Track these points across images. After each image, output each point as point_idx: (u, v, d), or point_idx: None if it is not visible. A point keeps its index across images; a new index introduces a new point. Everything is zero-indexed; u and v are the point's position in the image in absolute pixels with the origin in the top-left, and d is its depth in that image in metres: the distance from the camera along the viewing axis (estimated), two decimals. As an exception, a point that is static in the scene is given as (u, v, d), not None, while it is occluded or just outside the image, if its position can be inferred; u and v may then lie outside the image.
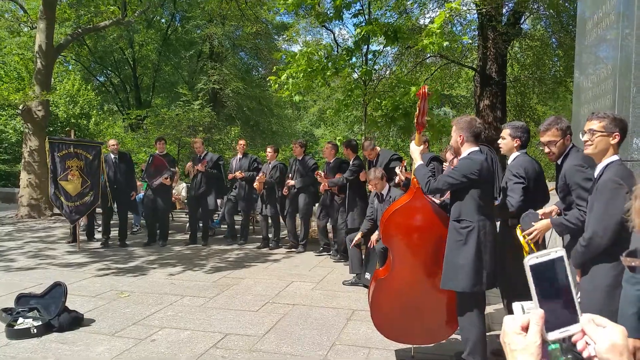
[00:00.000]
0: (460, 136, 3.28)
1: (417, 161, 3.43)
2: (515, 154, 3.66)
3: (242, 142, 8.78)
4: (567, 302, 0.84)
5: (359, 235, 5.70)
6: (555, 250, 0.86)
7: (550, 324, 0.83)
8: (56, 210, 9.55)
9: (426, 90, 3.41)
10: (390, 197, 5.31)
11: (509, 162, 3.72)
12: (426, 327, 3.52)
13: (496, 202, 3.75)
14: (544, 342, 0.82)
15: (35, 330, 4.04)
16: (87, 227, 8.81)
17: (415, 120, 3.48)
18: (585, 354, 0.82)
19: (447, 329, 3.51)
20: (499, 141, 3.78)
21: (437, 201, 3.68)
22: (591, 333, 0.82)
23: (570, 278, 0.85)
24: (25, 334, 4.02)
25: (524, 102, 15.47)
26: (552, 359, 0.82)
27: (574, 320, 0.83)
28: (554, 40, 14.44)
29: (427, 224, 3.43)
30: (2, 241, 8.51)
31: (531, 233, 3.16)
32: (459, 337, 3.47)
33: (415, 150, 3.48)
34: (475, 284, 3.15)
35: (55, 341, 3.93)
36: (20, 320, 4.20)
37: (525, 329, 0.83)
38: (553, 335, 0.83)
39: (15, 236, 9.12)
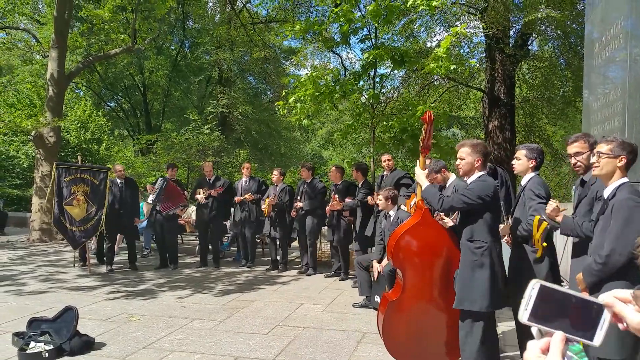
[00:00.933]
0: (478, 160, 3.36)
1: (424, 183, 3.47)
2: (530, 175, 3.68)
3: (247, 165, 8.86)
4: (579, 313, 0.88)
5: (376, 265, 5.63)
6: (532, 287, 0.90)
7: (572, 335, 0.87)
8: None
9: (432, 114, 3.48)
10: (398, 218, 5.32)
11: (522, 182, 3.75)
12: (438, 348, 3.51)
13: (506, 224, 3.76)
14: (570, 358, 0.84)
15: (46, 355, 4.06)
16: (97, 250, 8.88)
17: (420, 144, 3.54)
18: (621, 327, 0.85)
19: (456, 351, 3.49)
20: (513, 161, 3.81)
21: (449, 224, 3.69)
22: (621, 310, 0.84)
23: (566, 290, 0.89)
24: (37, 358, 4.04)
25: (533, 122, 15.48)
26: None
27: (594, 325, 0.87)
28: (562, 61, 14.51)
29: (436, 245, 3.45)
30: (14, 265, 8.59)
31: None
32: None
33: (421, 173, 3.53)
34: (490, 304, 3.17)
35: (67, 365, 3.95)
36: (32, 344, 4.22)
37: (546, 351, 0.84)
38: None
39: (27, 260, 9.19)
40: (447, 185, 4.53)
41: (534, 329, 0.89)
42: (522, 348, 3.82)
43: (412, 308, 3.46)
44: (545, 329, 0.87)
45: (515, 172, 3.85)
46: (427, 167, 4.62)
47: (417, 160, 3.67)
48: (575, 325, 0.87)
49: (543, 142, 14.79)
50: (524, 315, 0.89)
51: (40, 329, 4.45)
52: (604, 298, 0.87)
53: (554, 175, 18.02)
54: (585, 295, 0.90)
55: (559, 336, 0.84)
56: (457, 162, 3.47)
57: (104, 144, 19.26)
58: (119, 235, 9.10)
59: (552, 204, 3.19)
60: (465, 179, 3.55)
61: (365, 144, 11.19)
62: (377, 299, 5.55)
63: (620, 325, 0.85)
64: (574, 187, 3.57)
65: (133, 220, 8.49)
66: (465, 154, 3.40)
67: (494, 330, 3.50)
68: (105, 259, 8.33)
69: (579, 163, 3.25)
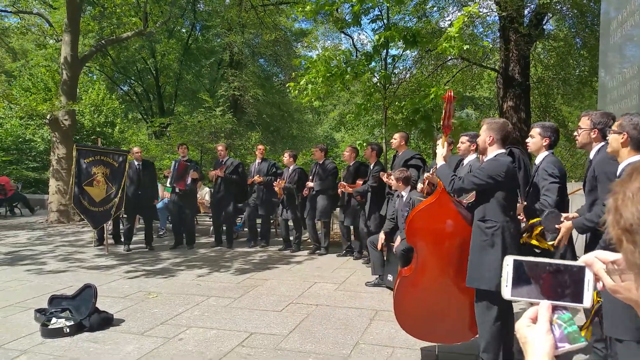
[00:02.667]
0: (490, 137, 3.31)
1: (440, 162, 3.47)
2: (544, 153, 3.67)
3: (261, 147, 8.93)
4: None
5: (382, 236, 5.74)
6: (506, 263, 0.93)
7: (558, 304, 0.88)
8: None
9: (452, 93, 3.48)
10: (411, 199, 5.34)
11: (536, 161, 3.73)
12: (451, 326, 3.54)
13: (521, 204, 3.75)
14: (560, 326, 0.86)
15: (67, 330, 4.17)
16: (114, 231, 9.03)
17: (441, 123, 3.53)
18: (599, 287, 0.87)
19: (472, 328, 3.52)
20: (527, 140, 3.80)
21: (465, 202, 3.70)
22: (598, 270, 0.86)
23: (539, 260, 0.92)
24: (58, 333, 4.15)
25: (548, 103, 15.29)
26: (571, 340, 0.86)
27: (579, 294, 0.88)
28: (578, 40, 14.26)
29: (452, 224, 3.46)
30: (33, 245, 8.76)
31: (557, 235, 3.19)
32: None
33: (439, 152, 3.52)
34: (499, 283, 3.16)
35: (87, 340, 4.05)
36: (54, 320, 4.33)
37: (535, 320, 0.87)
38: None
39: (45, 240, 9.38)
40: (463, 164, 4.52)
41: (524, 301, 0.91)
42: None
43: (426, 285, 3.49)
44: (531, 301, 0.89)
45: (529, 150, 3.84)
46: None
47: (437, 137, 3.66)
48: (559, 291, 0.88)
49: (558, 122, 14.62)
50: (505, 292, 0.91)
51: (61, 306, 4.56)
52: (585, 258, 0.89)
53: (569, 156, 17.84)
54: (561, 261, 0.91)
55: (544, 305, 0.87)
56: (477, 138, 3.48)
57: (118, 127, 19.39)
58: (136, 216, 9.22)
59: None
60: (482, 157, 3.55)
61: (377, 125, 11.15)
62: (390, 278, 5.62)
63: (598, 285, 0.86)
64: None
65: (151, 202, 8.61)
66: (481, 131, 3.39)
67: (510, 310, 3.51)
68: (123, 239, 8.47)
69: (576, 137, 3.37)
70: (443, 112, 3.49)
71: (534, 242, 3.30)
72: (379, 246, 5.74)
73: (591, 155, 3.31)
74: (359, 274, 6.54)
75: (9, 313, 4.76)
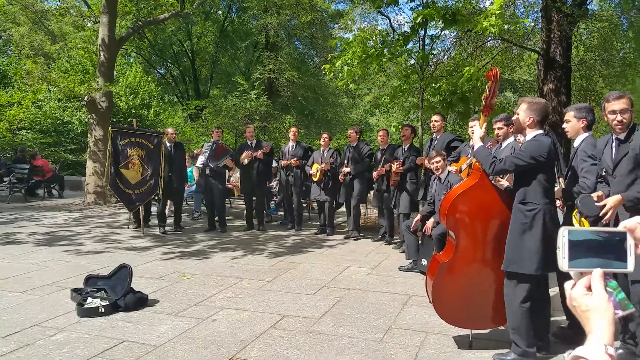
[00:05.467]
0: (530, 117, 3.24)
1: (478, 144, 3.39)
2: (583, 135, 3.59)
3: (294, 129, 8.89)
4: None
5: (417, 217, 5.70)
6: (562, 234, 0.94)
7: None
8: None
9: (497, 71, 3.38)
10: (449, 182, 5.26)
11: (576, 144, 3.63)
12: (486, 312, 3.49)
13: (558, 186, 3.68)
14: (610, 293, 0.89)
15: (103, 310, 4.27)
16: (145, 213, 9.22)
17: (483, 102, 3.44)
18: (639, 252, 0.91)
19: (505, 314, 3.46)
20: (563, 125, 3.71)
21: (505, 184, 3.63)
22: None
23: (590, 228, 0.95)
24: (94, 312, 4.26)
25: (590, 86, 14.77)
26: (623, 306, 0.90)
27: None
28: (623, 20, 13.66)
29: (491, 208, 3.40)
30: (70, 226, 9.06)
31: (606, 214, 3.10)
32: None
33: (477, 133, 3.45)
34: (539, 267, 3.11)
35: (122, 320, 4.15)
36: (89, 300, 4.45)
37: (589, 288, 0.89)
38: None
39: (82, 222, 9.67)
40: (503, 146, 4.42)
41: (574, 272, 0.93)
42: (567, 310, 3.76)
43: (464, 270, 3.44)
44: (585, 270, 0.92)
45: (568, 135, 3.72)
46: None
47: (472, 117, 3.56)
48: (608, 258, 0.91)
49: (599, 106, 14.08)
50: (563, 263, 0.92)
51: (97, 286, 4.69)
52: (626, 223, 0.92)
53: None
54: (606, 228, 0.95)
55: (598, 273, 0.89)
56: (514, 117, 3.37)
57: (153, 110, 19.73)
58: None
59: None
60: (519, 137, 3.46)
61: (413, 108, 10.98)
62: (424, 262, 5.56)
63: (638, 250, 0.90)
64: (605, 147, 3.42)
65: (181, 184, 8.74)
66: (521, 110, 3.30)
67: (545, 294, 3.43)
68: (158, 221, 8.62)
69: (624, 119, 3.20)
70: (487, 90, 3.40)
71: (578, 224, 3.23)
72: (413, 224, 5.71)
73: (621, 136, 3.26)
74: (392, 258, 6.50)
75: (46, 292, 4.93)
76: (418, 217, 5.73)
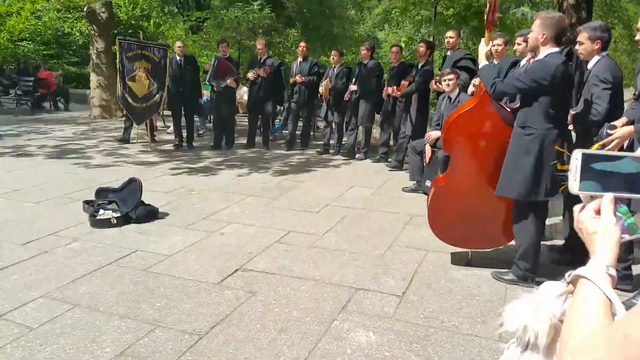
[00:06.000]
0: (543, 34, 3.07)
1: (482, 61, 3.32)
2: (597, 57, 3.44)
3: (302, 44, 8.71)
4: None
5: (428, 149, 5.66)
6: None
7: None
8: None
9: None
10: (459, 101, 5.22)
11: (589, 66, 3.52)
12: (484, 233, 3.61)
13: (573, 111, 3.60)
14: (619, 218, 0.90)
15: (115, 221, 4.45)
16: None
17: (485, 18, 3.33)
18: None
19: (505, 235, 3.59)
20: (576, 47, 3.56)
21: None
22: None
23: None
24: (106, 223, 4.44)
25: (613, 1, 14.13)
26: (632, 230, 0.91)
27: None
28: None
29: (492, 131, 3.39)
30: (79, 140, 9.17)
31: (610, 142, 3.05)
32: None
33: (482, 49, 3.36)
34: (530, 193, 3.12)
35: (134, 231, 4.34)
36: (101, 211, 4.62)
37: (598, 212, 0.91)
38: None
39: (90, 135, 9.77)
40: (521, 64, 4.33)
41: (584, 195, 0.94)
42: (571, 235, 3.86)
43: (462, 191, 3.51)
44: (595, 194, 0.92)
45: (581, 58, 3.62)
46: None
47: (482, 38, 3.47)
48: (622, 183, 0.91)
49: (622, 23, 13.59)
50: (574, 186, 0.93)
51: (108, 198, 4.85)
52: None
53: (629, 61, 16.77)
54: (623, 152, 0.94)
55: (608, 197, 0.90)
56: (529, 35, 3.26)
57: (153, 20, 19.16)
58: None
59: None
60: (531, 57, 3.37)
61: (425, 21, 10.67)
62: (428, 183, 5.65)
63: None
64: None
65: (195, 99, 8.70)
66: (534, 27, 3.14)
67: (542, 218, 3.49)
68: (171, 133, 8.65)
69: None
70: (488, 4, 3.26)
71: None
72: (426, 160, 5.69)
73: None
74: (396, 179, 6.63)
75: (60, 203, 5.12)
76: (427, 148, 5.67)
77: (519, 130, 3.16)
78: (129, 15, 17.85)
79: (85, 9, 12.10)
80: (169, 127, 10.05)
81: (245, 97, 10.41)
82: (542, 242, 3.47)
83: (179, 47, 8.52)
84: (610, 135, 3.04)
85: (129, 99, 8.02)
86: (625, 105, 3.58)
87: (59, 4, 12.86)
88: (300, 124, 8.98)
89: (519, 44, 4.50)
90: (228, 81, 8.40)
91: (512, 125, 3.27)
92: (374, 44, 8.88)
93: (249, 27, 14.63)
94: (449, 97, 5.46)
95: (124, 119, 9.40)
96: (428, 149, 5.65)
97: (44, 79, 13.79)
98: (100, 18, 12.22)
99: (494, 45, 4.49)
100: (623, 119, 3.19)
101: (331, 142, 8.42)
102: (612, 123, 3.18)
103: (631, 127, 3.01)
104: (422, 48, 6.89)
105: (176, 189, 5.82)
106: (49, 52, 17.20)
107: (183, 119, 8.66)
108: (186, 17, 19.43)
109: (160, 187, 5.86)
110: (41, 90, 13.76)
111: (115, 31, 15.80)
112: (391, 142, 7.87)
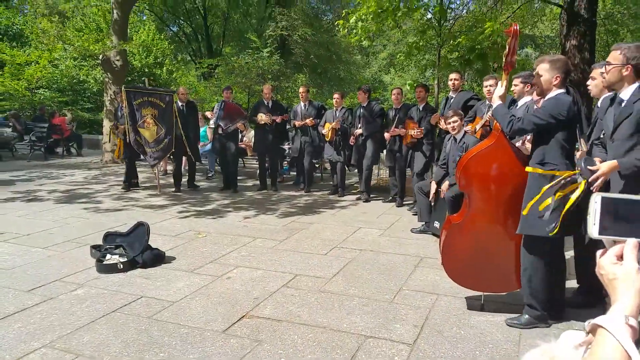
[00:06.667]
0: (556, 77, 3.11)
1: (496, 102, 3.31)
2: (608, 94, 3.44)
3: (302, 90, 8.75)
4: None
5: (433, 186, 5.62)
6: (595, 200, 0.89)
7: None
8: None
9: (517, 27, 3.27)
10: (464, 142, 5.18)
11: (599, 103, 3.52)
12: (499, 275, 3.49)
13: (580, 149, 3.58)
14: None
15: (121, 266, 4.37)
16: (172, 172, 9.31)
17: (504, 60, 3.34)
18: None
19: (520, 279, 3.45)
20: (587, 82, 3.59)
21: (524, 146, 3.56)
22: None
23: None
24: (113, 269, 4.35)
25: (616, 41, 14.25)
26: None
27: None
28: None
29: (508, 169, 3.34)
30: (89, 184, 9.18)
31: (596, 180, 2.92)
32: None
33: (497, 92, 3.36)
34: (554, 230, 3.04)
35: (140, 276, 4.25)
36: (108, 256, 4.56)
37: (620, 257, 0.86)
38: None
39: (101, 180, 9.80)
40: (518, 105, 4.31)
41: (607, 240, 0.89)
42: (579, 275, 3.74)
43: (476, 232, 3.42)
44: (618, 239, 0.87)
45: (592, 94, 3.61)
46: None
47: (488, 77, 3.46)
48: None
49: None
50: (593, 230, 0.88)
51: (115, 243, 4.80)
52: None
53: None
54: None
55: (632, 242, 0.85)
56: (534, 79, 3.26)
57: (166, 68, 19.61)
58: (183, 158, 9.41)
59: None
60: (538, 99, 3.36)
61: (429, 65, 10.76)
62: (437, 225, 5.57)
63: None
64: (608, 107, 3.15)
65: (195, 143, 8.74)
66: (543, 71, 3.15)
67: (561, 259, 3.39)
68: (174, 180, 8.66)
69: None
70: (507, 47, 3.30)
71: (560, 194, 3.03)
72: (431, 196, 5.65)
73: (624, 96, 2.92)
74: (404, 220, 6.52)
75: (67, 248, 5.05)
76: (433, 184, 5.65)
77: (538, 167, 3.11)
78: (143, 63, 18.31)
79: (100, 57, 12.37)
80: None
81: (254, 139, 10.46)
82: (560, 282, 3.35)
83: (182, 93, 8.65)
84: (591, 171, 2.94)
85: (142, 143, 8.09)
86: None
87: (76, 52, 13.19)
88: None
89: (516, 85, 4.51)
90: (238, 124, 8.43)
91: (526, 165, 3.24)
92: (373, 86, 8.94)
93: (259, 73, 14.86)
94: (455, 138, 5.42)
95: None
96: (433, 187, 5.60)
97: (58, 125, 13.99)
98: (115, 66, 12.49)
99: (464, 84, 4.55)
100: (598, 157, 3.11)
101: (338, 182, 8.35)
102: (589, 157, 3.12)
103: (614, 162, 2.88)
104: (421, 92, 7.04)
105: (183, 232, 5.75)
106: (64, 99, 17.56)
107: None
108: (198, 64, 19.82)
109: (168, 230, 5.79)
110: (55, 136, 13.95)
111: (130, 78, 16.19)
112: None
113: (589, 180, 2.95)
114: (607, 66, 3.00)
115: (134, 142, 8.09)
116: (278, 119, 8.35)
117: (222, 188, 8.70)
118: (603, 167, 2.91)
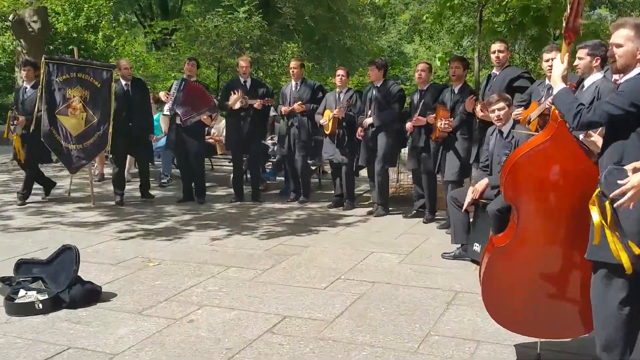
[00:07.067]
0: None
1: (558, 85, 3.34)
2: None
3: (294, 63, 8.81)
4: None
5: (470, 195, 5.64)
6: None
7: None
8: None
9: None
10: (513, 137, 5.23)
11: None
12: (560, 316, 3.51)
13: None
14: None
15: (40, 306, 4.34)
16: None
17: (564, 24, 3.37)
18: None
19: (587, 322, 3.49)
20: None
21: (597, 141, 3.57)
22: None
23: None
24: (28, 309, 4.32)
25: None
26: None
27: None
28: None
29: (571, 173, 3.35)
30: (-4, 194, 9.22)
31: (623, 194, 2.95)
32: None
33: (558, 68, 3.38)
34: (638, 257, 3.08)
35: (67, 320, 4.25)
36: (22, 292, 4.51)
37: None
38: None
39: (12, 187, 9.84)
40: (584, 86, 4.36)
41: None
42: None
43: (529, 258, 3.42)
44: None
45: None
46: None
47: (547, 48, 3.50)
48: None
49: None
50: None
51: (32, 274, 4.78)
52: None
53: None
54: None
55: None
56: (610, 50, 3.28)
57: (102, 33, 19.60)
58: (128, 156, 9.44)
59: None
60: (618, 77, 3.38)
61: (467, 31, 10.86)
62: (477, 248, 5.61)
63: None
64: None
65: (146, 136, 8.78)
66: (624, 39, 3.11)
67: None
68: (113, 187, 8.65)
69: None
70: (568, 6, 3.32)
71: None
72: (465, 205, 5.68)
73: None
74: (433, 242, 6.58)
75: (-35, 282, 5.06)
76: (470, 190, 5.65)
77: (615, 170, 3.12)
78: (70, 26, 18.31)
79: (10, 18, 12.39)
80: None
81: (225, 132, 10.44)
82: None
83: (125, 67, 8.67)
84: (620, 185, 2.93)
85: (60, 139, 8.01)
86: None
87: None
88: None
89: (580, 59, 4.54)
90: (203, 116, 8.46)
91: (596, 167, 3.24)
92: (390, 59, 8.86)
93: (233, 40, 14.92)
94: (500, 132, 5.46)
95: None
96: (469, 196, 5.59)
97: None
98: (31, 29, 12.50)
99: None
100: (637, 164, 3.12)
101: (342, 191, 8.42)
102: (617, 167, 3.09)
103: None
104: (458, 69, 6.98)
105: (128, 259, 5.78)
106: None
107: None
108: (148, 29, 19.92)
109: (106, 256, 5.83)
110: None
111: (51, 46, 16.21)
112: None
113: (612, 195, 2.91)
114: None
115: (45, 135, 7.91)
116: (257, 104, 8.33)
117: (181, 199, 8.74)
118: (633, 179, 2.82)
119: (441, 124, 6.76)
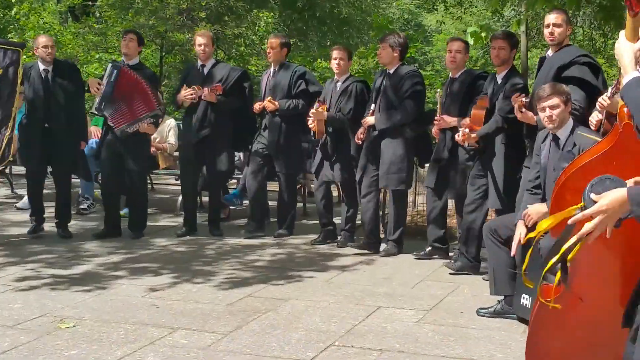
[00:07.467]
0: None
1: (628, 72, 3.35)
2: None
3: (272, 41, 8.86)
4: None
5: (519, 230, 5.57)
6: None
7: None
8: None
9: None
10: (574, 143, 5.23)
11: None
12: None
13: None
14: None
15: None
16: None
17: None
18: None
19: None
20: None
21: None
22: None
23: None
24: None
25: None
26: None
27: None
28: None
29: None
30: None
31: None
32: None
33: (626, 49, 3.40)
34: None
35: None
36: None
37: None
38: None
39: None
40: None
41: None
42: None
43: (590, 313, 3.44)
44: None
45: None
46: None
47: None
48: None
49: None
50: None
51: None
52: None
53: None
54: None
55: None
56: None
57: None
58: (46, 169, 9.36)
59: None
60: None
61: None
62: (526, 301, 5.58)
63: None
64: None
65: (70, 144, 8.67)
66: None
67: None
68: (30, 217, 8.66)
69: None
70: None
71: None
72: (514, 248, 5.60)
73: None
74: (463, 292, 6.60)
75: None
76: (521, 225, 5.59)
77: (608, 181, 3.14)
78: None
79: None
80: (19, 197, 10.10)
81: (173, 138, 10.43)
82: None
83: (45, 45, 8.61)
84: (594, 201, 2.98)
85: None
86: None
87: None
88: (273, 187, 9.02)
89: None
90: (144, 123, 8.42)
91: None
92: (404, 37, 8.70)
93: (182, 8, 14.98)
94: (556, 138, 5.45)
95: None
96: (520, 231, 5.54)
97: None
98: None
99: None
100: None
101: (336, 220, 8.43)
102: (611, 177, 3.15)
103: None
104: (502, 49, 6.91)
105: (31, 318, 5.72)
106: None
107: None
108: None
109: (1, 315, 5.77)
110: None
111: None
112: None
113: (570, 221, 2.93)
114: None
115: None
116: (206, 94, 8.34)
117: (102, 232, 8.70)
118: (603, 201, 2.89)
119: (459, 136, 6.71)
